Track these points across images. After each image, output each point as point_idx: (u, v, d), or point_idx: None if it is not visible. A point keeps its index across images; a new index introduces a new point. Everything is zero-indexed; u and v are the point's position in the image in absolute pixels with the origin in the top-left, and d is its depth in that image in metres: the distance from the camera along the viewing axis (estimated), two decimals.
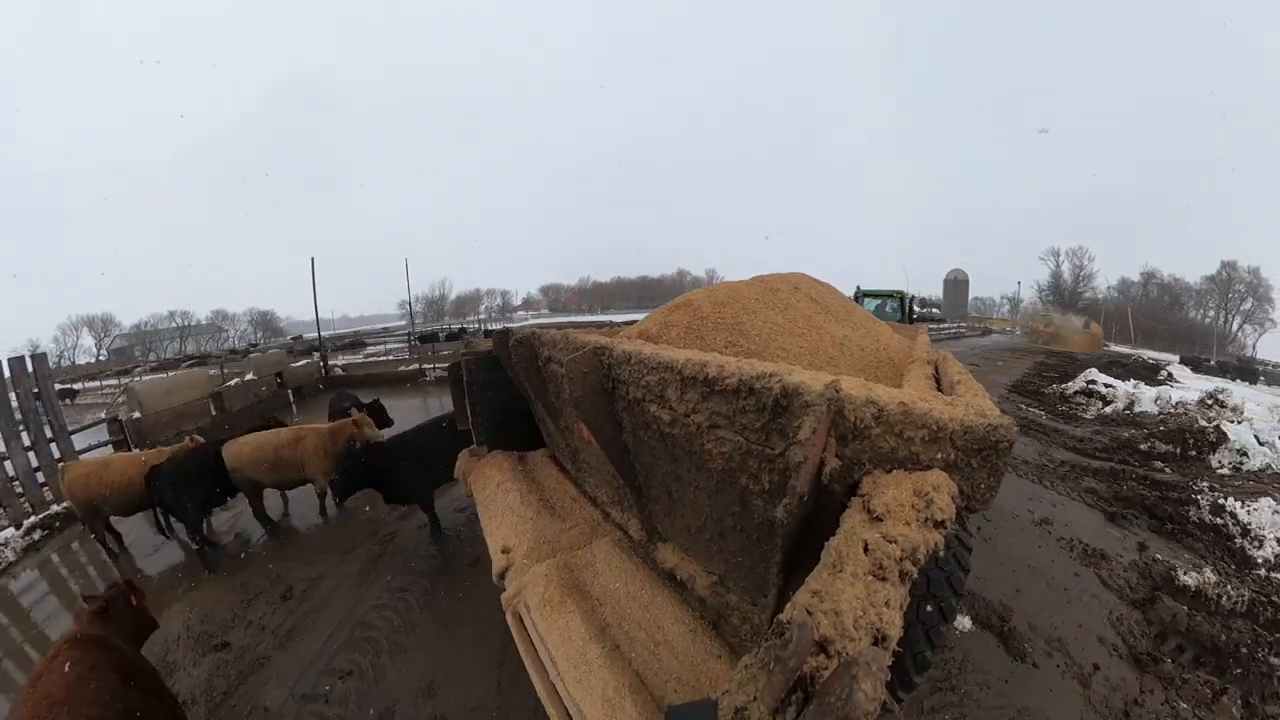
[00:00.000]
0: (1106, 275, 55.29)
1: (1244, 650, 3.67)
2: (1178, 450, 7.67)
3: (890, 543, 1.31)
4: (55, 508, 7.95)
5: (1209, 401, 9.30)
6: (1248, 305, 46.79)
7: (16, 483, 7.56)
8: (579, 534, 3.55)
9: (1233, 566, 4.85)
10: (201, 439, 6.94)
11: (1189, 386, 11.87)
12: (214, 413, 11.63)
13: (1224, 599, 4.27)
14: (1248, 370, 18.28)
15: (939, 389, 2.59)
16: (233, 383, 13.04)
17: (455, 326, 35.30)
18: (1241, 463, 7.16)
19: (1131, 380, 12.26)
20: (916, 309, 22.89)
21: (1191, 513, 5.85)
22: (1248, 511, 5.54)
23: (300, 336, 46.29)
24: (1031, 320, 33.11)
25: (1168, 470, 7.18)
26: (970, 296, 59.59)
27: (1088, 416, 10.59)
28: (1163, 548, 5.36)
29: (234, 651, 4.40)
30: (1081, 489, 6.87)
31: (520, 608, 2.92)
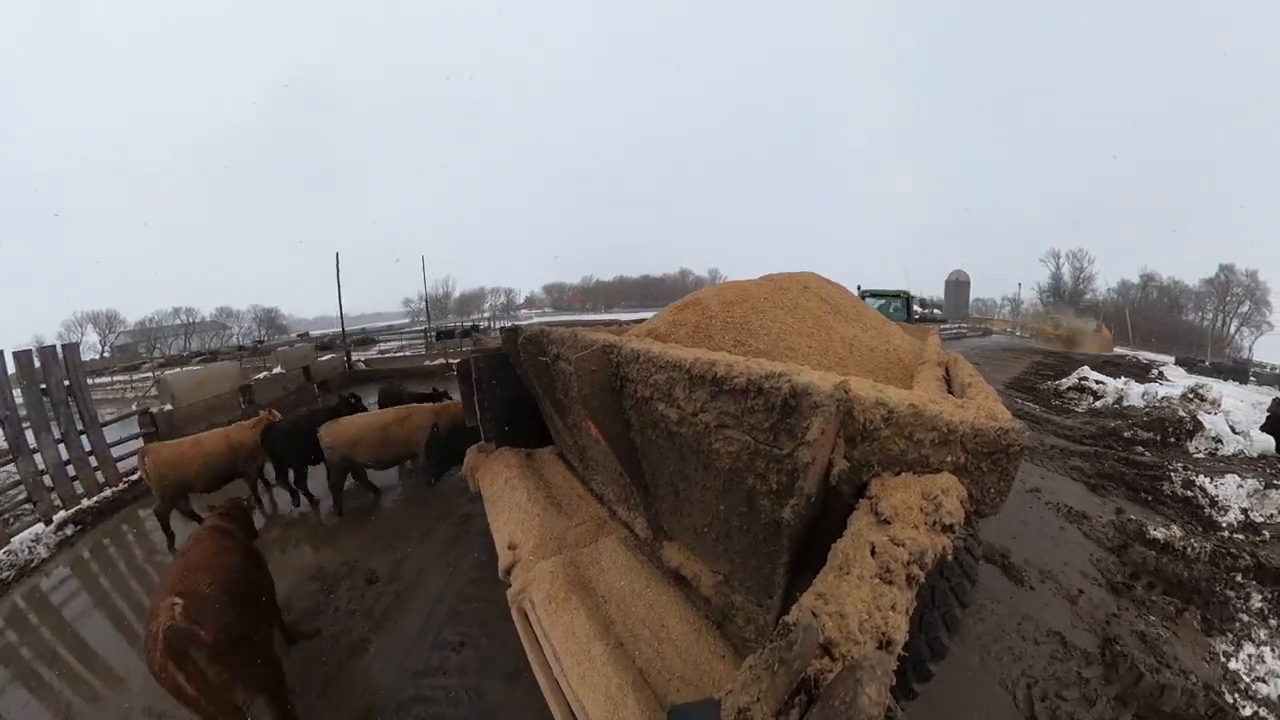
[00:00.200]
0: (1106, 277, 55.63)
1: (1203, 584, 4.54)
2: (1158, 438, 8.39)
3: (898, 546, 1.29)
4: (87, 502, 7.57)
5: (1190, 395, 9.90)
6: (1245, 308, 47.44)
7: (46, 476, 7.12)
8: (585, 531, 3.55)
9: (1199, 528, 5.61)
10: (278, 414, 7.43)
11: (1177, 384, 12.31)
12: (243, 405, 11.48)
13: (1188, 550, 5.03)
14: (1240, 371, 18.96)
15: (950, 391, 2.57)
16: (261, 376, 13.12)
17: (468, 324, 35.64)
18: (1216, 449, 7.87)
19: (1123, 378, 12.88)
20: (917, 310, 22.72)
21: (1165, 486, 6.59)
22: (1215, 486, 6.27)
23: (306, 333, 46.31)
24: (1039, 322, 32.76)
25: (1147, 454, 7.89)
26: (971, 297, 59.54)
27: (1079, 410, 11.28)
28: (1137, 512, 6.08)
29: (328, 639, 4.31)
30: (1068, 466, 7.63)
31: (525, 603, 2.93)
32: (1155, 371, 16.91)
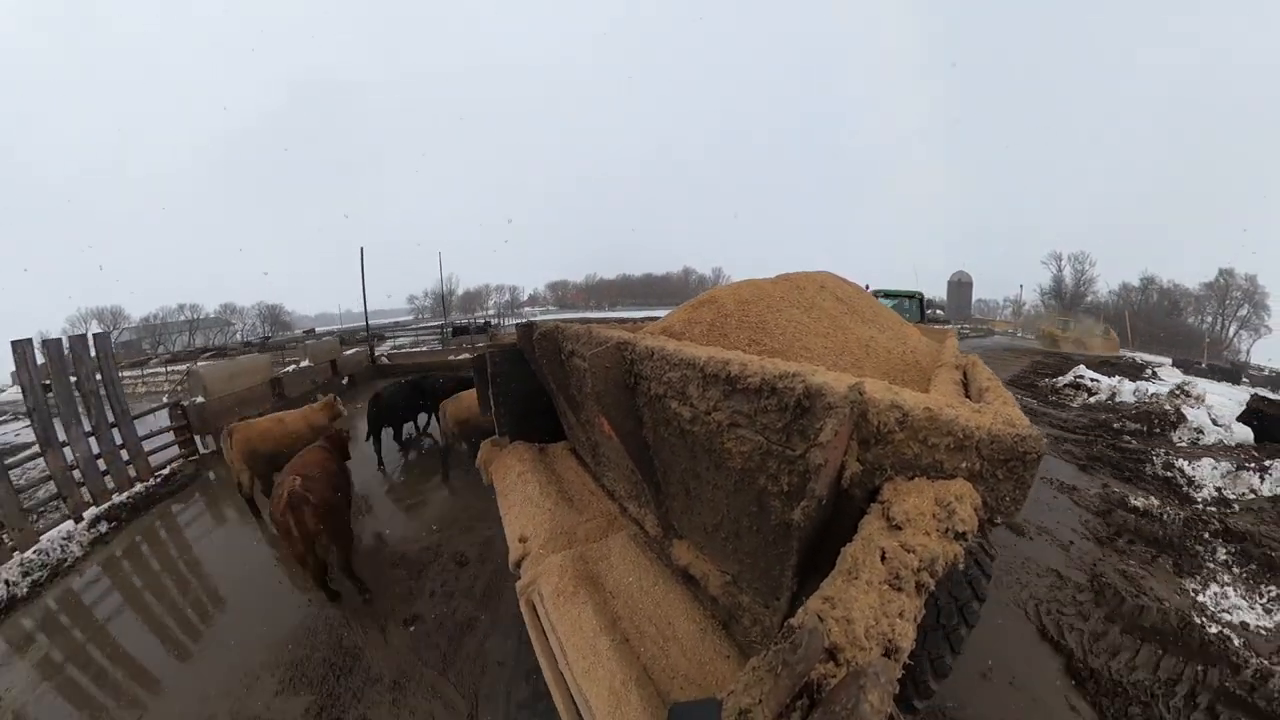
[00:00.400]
0: (1107, 280, 55.35)
1: (1175, 541, 5.37)
2: (1144, 428, 9.13)
3: (908, 552, 1.27)
4: (119, 497, 7.20)
5: (1176, 391, 10.65)
6: (1244, 312, 47.94)
7: (76, 471, 6.79)
8: (595, 527, 3.56)
9: (1176, 501, 6.43)
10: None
11: (1168, 383, 12.87)
12: (274, 397, 11.45)
13: (1165, 516, 5.84)
14: (1234, 373, 19.93)
15: (967, 395, 2.53)
16: (289, 369, 13.20)
17: (481, 320, 36.01)
18: (1198, 438, 8.59)
19: (1116, 376, 13.59)
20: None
21: (1147, 468, 7.40)
22: (1192, 468, 7.09)
23: (312, 329, 46.41)
24: (1047, 324, 32.83)
25: (1133, 442, 8.59)
26: (973, 298, 59.28)
27: (1073, 405, 12.03)
28: (1121, 487, 6.88)
29: (429, 623, 4.31)
30: (1061, 450, 8.38)
31: (534, 596, 2.95)
32: (1149, 371, 17.60)
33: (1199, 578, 4.83)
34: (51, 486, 6.66)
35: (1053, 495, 6.60)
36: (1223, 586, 4.68)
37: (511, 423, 5.22)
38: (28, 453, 6.97)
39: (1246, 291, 47.25)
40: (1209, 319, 48.92)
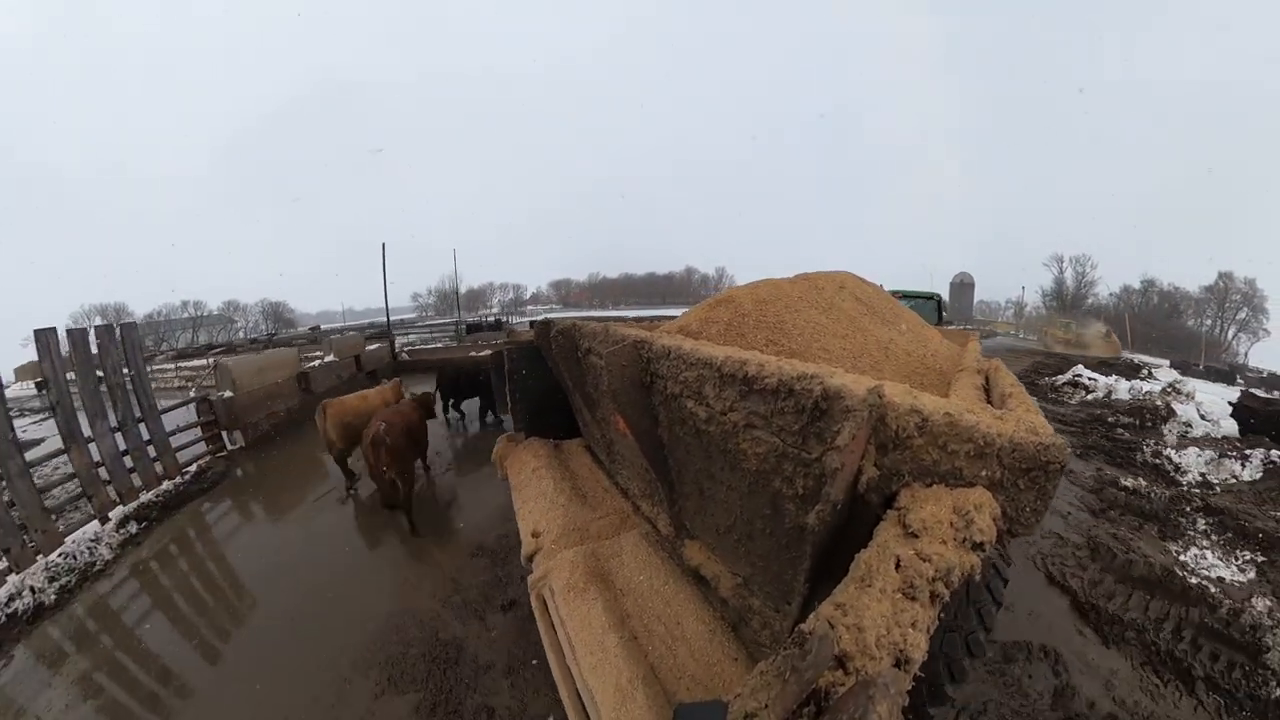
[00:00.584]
0: (1108, 282, 55.75)
1: (1160, 514, 5.99)
2: (1137, 422, 9.80)
3: (924, 561, 1.24)
4: (147, 496, 6.78)
5: (1168, 389, 11.29)
6: (1243, 315, 48.64)
7: (102, 469, 6.38)
8: (608, 524, 3.57)
9: (1163, 483, 7.02)
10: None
11: (1163, 382, 13.33)
12: (300, 392, 11.31)
13: (1152, 494, 6.47)
14: (1229, 375, 20.91)
15: (989, 401, 2.47)
16: (315, 363, 13.15)
17: (491, 318, 36.42)
18: (1187, 431, 9.17)
19: (1113, 376, 14.24)
20: None
21: (1137, 456, 8.03)
22: (1179, 456, 7.72)
23: (317, 326, 46.42)
24: (1049, 326, 33.73)
25: (1126, 434, 9.25)
26: (975, 299, 58.92)
27: (1071, 402, 12.55)
28: (1113, 471, 7.44)
29: (527, 607, 3.83)
30: None
31: (545, 591, 2.96)
32: (1145, 371, 18.32)
33: (1181, 542, 5.46)
34: (59, 489, 6.35)
35: None
36: (1202, 550, 5.31)
37: (528, 419, 5.25)
38: (45, 450, 6.49)
39: (1246, 295, 48.06)
40: (1208, 322, 49.73)
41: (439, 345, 25.27)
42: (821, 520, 1.55)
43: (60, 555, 5.42)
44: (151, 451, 7.32)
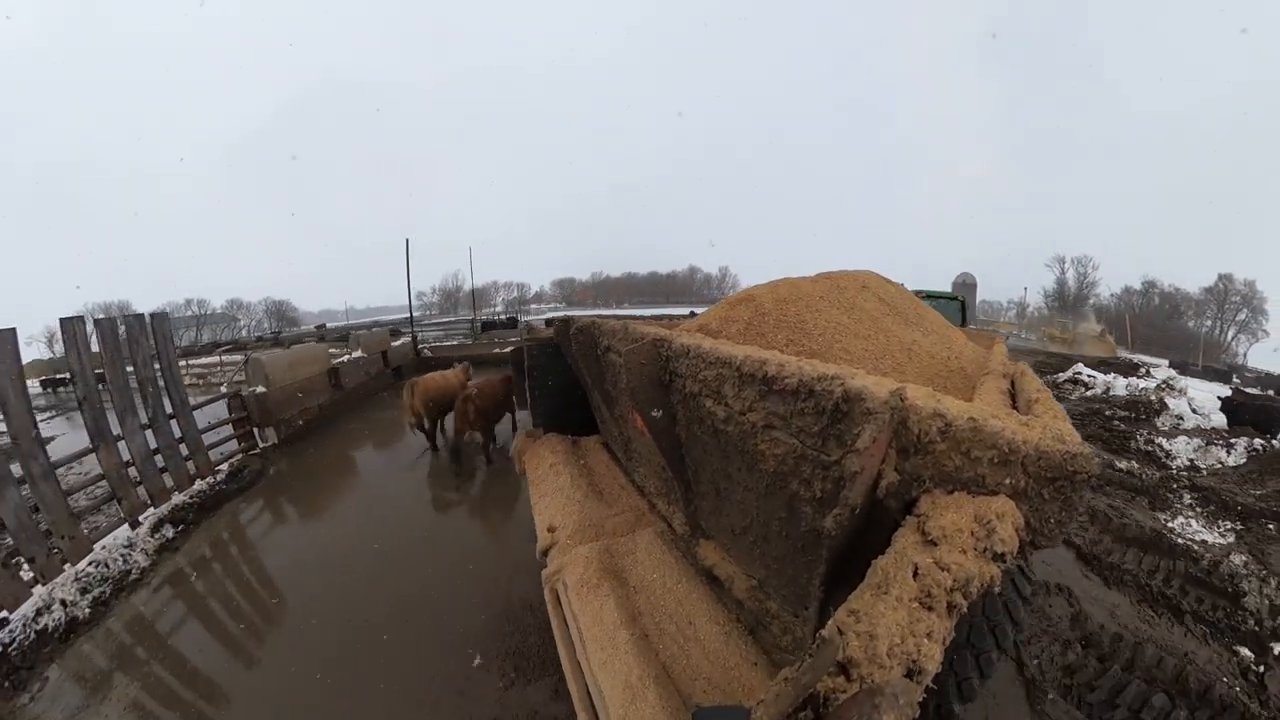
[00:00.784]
0: (1109, 283, 55.79)
1: (1151, 490, 6.70)
2: (1132, 415, 10.43)
3: (943, 570, 1.21)
4: (180, 497, 6.32)
5: (1162, 385, 12.03)
6: (1242, 316, 49.13)
7: (132, 469, 5.90)
8: (623, 521, 3.57)
9: (1154, 467, 7.71)
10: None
11: (1159, 380, 13.99)
12: (331, 388, 11.27)
13: (1144, 475, 7.19)
14: (1226, 374, 21.36)
15: (1014, 406, 2.41)
16: (344, 359, 13.14)
17: (505, 316, 36.85)
18: (1179, 423, 9.84)
19: (1112, 374, 14.95)
20: None
21: (1132, 444, 8.72)
22: (1170, 444, 8.43)
23: (324, 325, 46.80)
24: (1047, 327, 35.53)
25: (1122, 425, 9.86)
26: (977, 300, 58.94)
27: (1071, 398, 13.01)
28: (1109, 456, 7.98)
29: None
30: None
31: (559, 585, 2.98)
32: (1143, 370, 18.87)
33: (1169, 513, 6.15)
34: (81, 491, 5.83)
35: None
36: (1187, 519, 5.99)
37: (546, 415, 5.28)
38: (63, 450, 5.73)
39: (1245, 296, 48.52)
40: (1208, 323, 50.16)
41: (455, 342, 25.59)
42: (839, 524, 1.52)
43: (92, 564, 4.93)
44: (183, 450, 6.89)
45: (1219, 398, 10.45)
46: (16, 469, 4.66)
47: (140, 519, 5.80)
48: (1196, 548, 5.05)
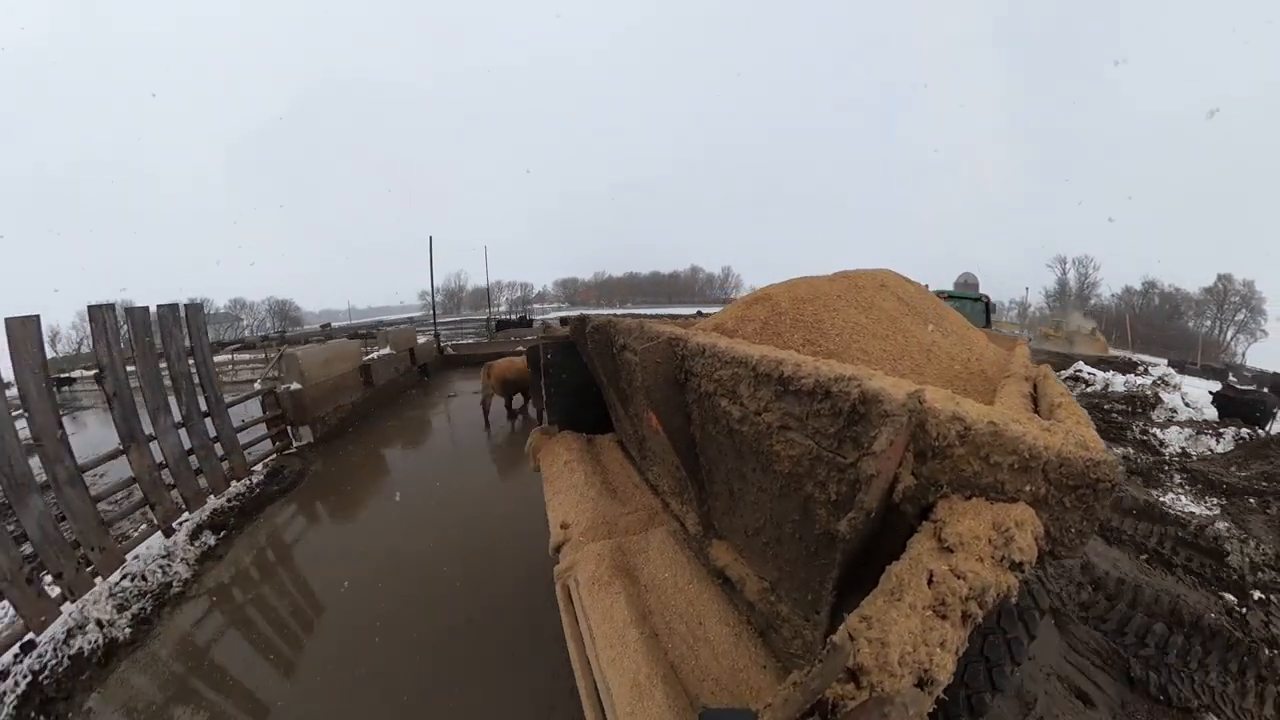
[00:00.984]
0: (1110, 283, 57.36)
1: (1145, 471, 7.45)
2: (1129, 409, 11.27)
3: (958, 578, 1.18)
4: (217, 500, 5.94)
5: (1158, 381, 12.77)
6: (1241, 316, 49.84)
7: (165, 471, 5.55)
8: (636, 520, 3.57)
9: (1148, 454, 8.49)
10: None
11: (1155, 377, 14.85)
12: (363, 385, 11.30)
13: (1138, 460, 7.99)
14: (1223, 372, 22.31)
15: (1036, 411, 2.36)
16: (374, 356, 13.30)
17: (515, 316, 37.40)
18: (1172, 416, 10.57)
19: (1110, 371, 15.83)
20: None
21: (1128, 434, 9.50)
22: (1163, 433, 9.22)
23: (328, 324, 46.85)
24: (1042, 326, 36.96)
25: (1119, 418, 10.66)
26: None
27: (1071, 394, 13.36)
28: (1106, 444, 7.89)
29: None
30: None
31: (570, 581, 2.99)
32: (1142, 368, 19.78)
33: (1160, 489, 6.91)
34: (108, 497, 5.27)
35: None
36: (1177, 495, 6.74)
37: (561, 412, 5.31)
38: (80, 452, 4.98)
39: (1244, 296, 49.31)
40: (1208, 323, 51.04)
41: (472, 341, 25.91)
42: (853, 528, 1.50)
43: (128, 577, 4.47)
44: (219, 450, 6.51)
45: (1210, 392, 11.15)
46: (38, 470, 4.17)
47: (175, 525, 5.38)
48: (1185, 517, 5.81)
